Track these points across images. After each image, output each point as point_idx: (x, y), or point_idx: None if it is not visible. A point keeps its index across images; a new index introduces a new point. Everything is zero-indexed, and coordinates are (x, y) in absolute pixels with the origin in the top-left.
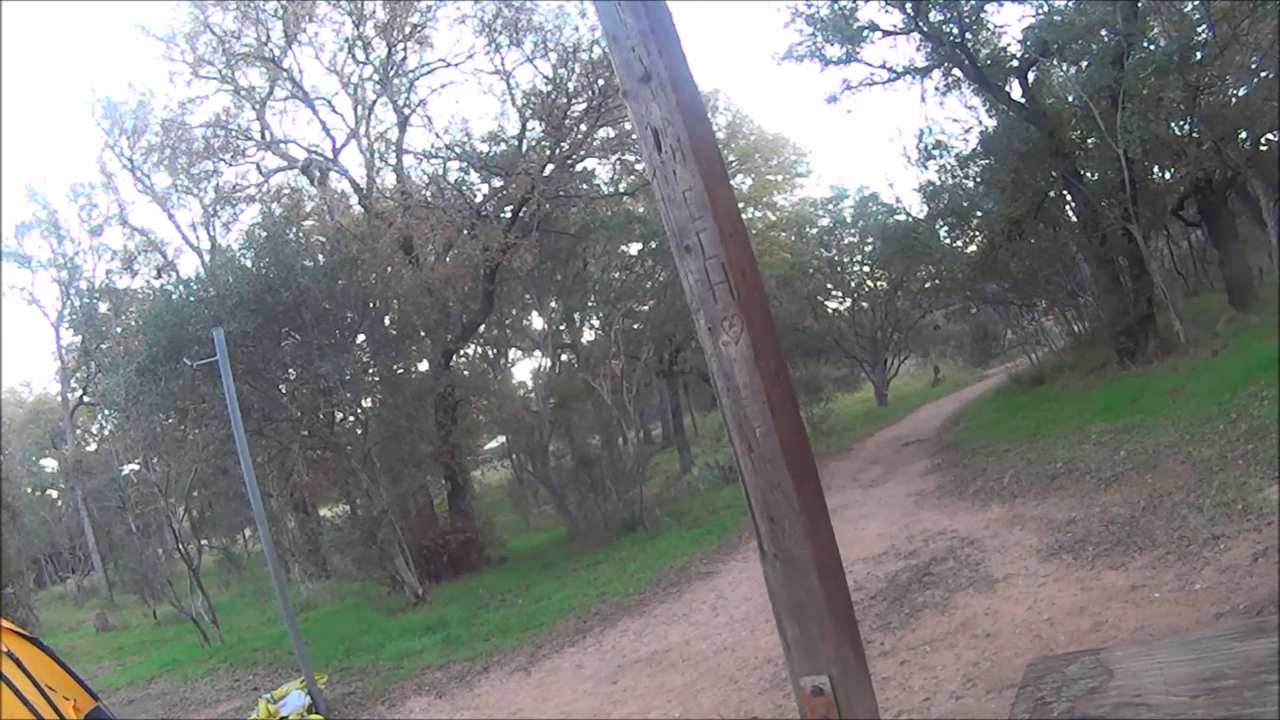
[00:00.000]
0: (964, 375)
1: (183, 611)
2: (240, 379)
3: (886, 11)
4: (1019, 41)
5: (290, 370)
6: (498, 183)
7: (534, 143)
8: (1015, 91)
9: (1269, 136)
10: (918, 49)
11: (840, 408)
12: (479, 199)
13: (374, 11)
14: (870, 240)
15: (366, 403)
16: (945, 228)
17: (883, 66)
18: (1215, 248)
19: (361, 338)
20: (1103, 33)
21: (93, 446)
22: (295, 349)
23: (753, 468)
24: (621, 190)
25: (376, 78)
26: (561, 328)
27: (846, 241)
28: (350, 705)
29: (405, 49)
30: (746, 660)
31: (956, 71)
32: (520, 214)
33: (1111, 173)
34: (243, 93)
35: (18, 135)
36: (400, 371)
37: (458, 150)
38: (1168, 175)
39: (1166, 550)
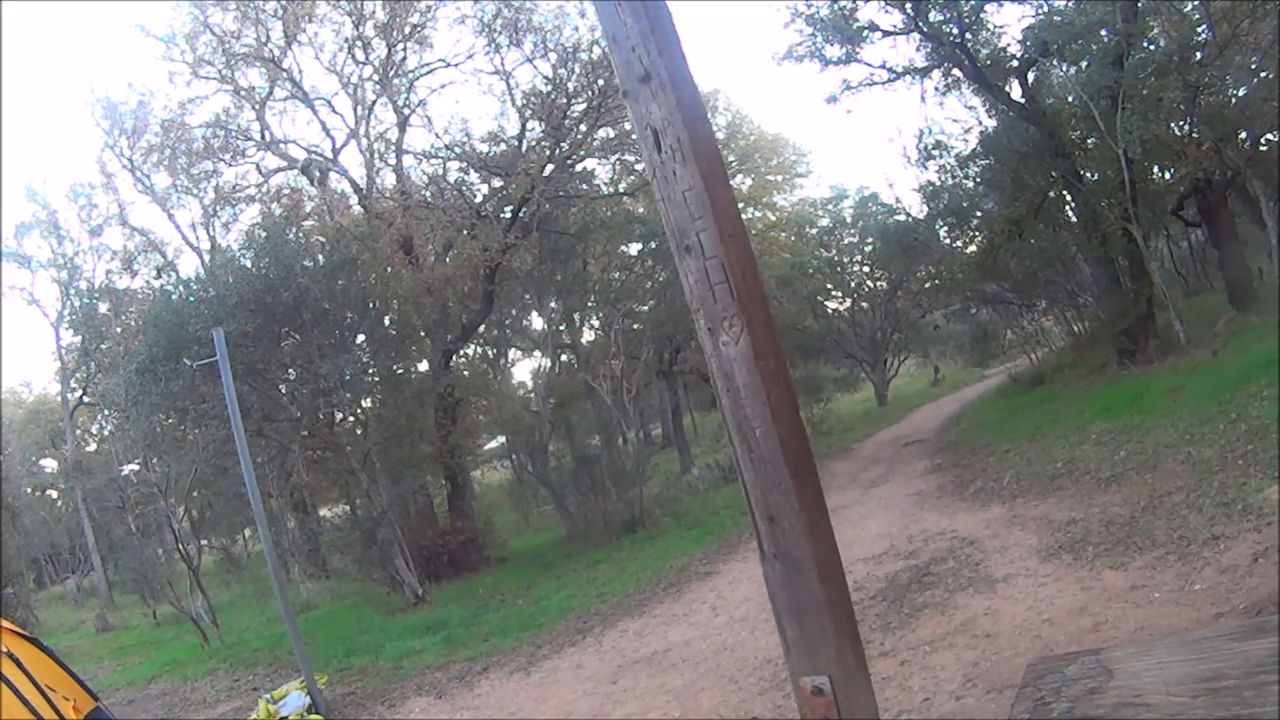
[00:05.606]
0: (964, 375)
1: (182, 611)
2: (240, 379)
3: (886, 12)
4: (1019, 41)
5: (290, 370)
6: (498, 183)
7: (534, 143)
8: (1015, 91)
9: (1269, 136)
10: (918, 49)
11: (840, 408)
12: (479, 199)
13: (374, 11)
14: (870, 240)
15: (366, 403)
16: (945, 228)
17: (883, 66)
18: (1215, 248)
19: (361, 338)
20: (1103, 33)
21: (93, 446)
22: (295, 349)
23: (753, 468)
24: (621, 190)
25: (376, 78)
26: (561, 328)
27: (846, 241)
28: (350, 705)
29: (405, 49)
30: (746, 660)
31: (956, 71)
32: (520, 214)
33: (1111, 173)
34: (243, 93)
35: (18, 135)
36: (400, 371)
37: (457, 150)
38: (1168, 175)
39: (1166, 550)
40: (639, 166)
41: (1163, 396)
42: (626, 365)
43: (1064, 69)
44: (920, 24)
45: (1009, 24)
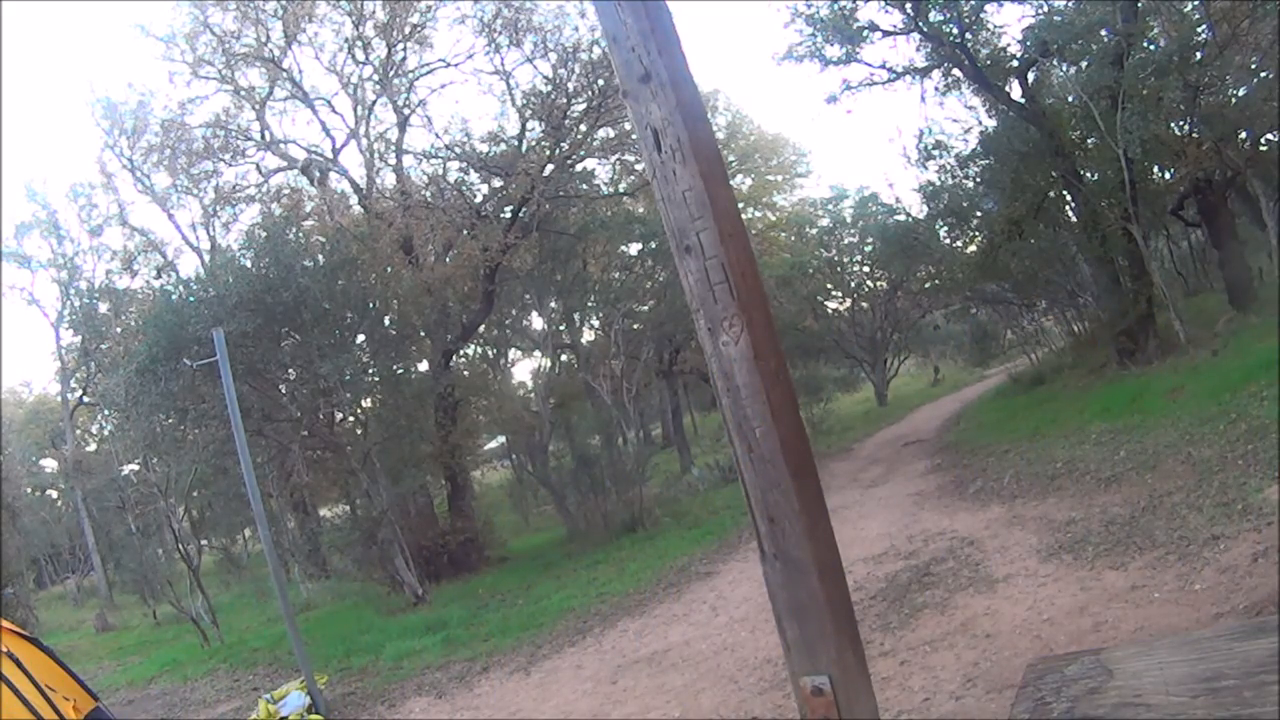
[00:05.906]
0: (964, 375)
1: (183, 611)
2: (240, 379)
3: (886, 11)
4: (1019, 41)
5: (290, 370)
6: (498, 183)
7: (534, 143)
8: (1015, 91)
9: (1269, 136)
10: (918, 49)
11: (840, 408)
12: (479, 199)
13: (374, 11)
14: (870, 240)
15: (366, 403)
16: (945, 228)
17: (883, 66)
18: (1215, 248)
19: (361, 338)
20: (1103, 33)
21: (93, 446)
22: (295, 349)
23: (753, 468)
24: (621, 190)
25: (376, 78)
26: (561, 328)
27: (846, 241)
28: (350, 705)
29: (405, 49)
30: (746, 660)
31: (956, 71)
32: (520, 214)
33: (1111, 173)
34: (243, 93)
35: (18, 135)
36: (400, 371)
37: (457, 150)
38: (1168, 175)
39: (1166, 550)
40: (639, 166)
41: (1163, 396)
42: (626, 365)
43: (1064, 69)
44: (920, 24)
45: (1009, 24)
